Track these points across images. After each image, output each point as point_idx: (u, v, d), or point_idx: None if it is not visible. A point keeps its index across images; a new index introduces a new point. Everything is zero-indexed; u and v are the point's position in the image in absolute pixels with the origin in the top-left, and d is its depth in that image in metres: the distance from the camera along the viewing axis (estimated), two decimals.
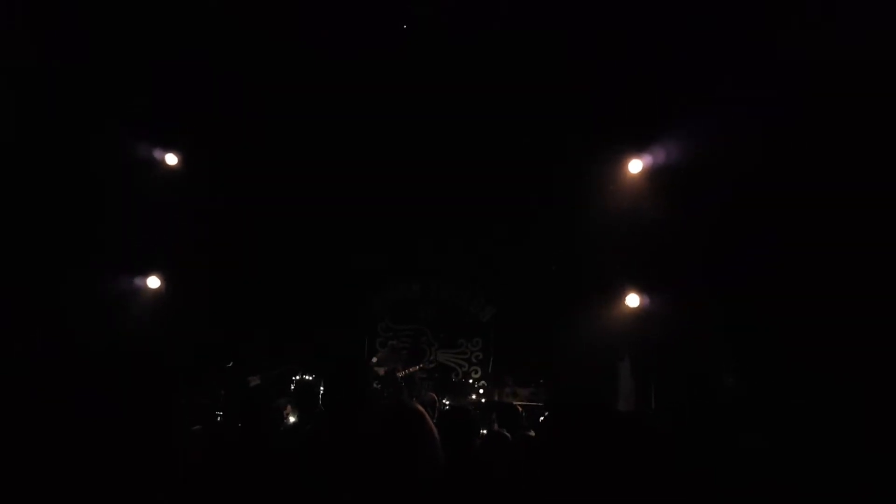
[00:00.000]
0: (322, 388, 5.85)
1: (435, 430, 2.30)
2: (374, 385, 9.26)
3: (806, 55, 5.95)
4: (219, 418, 7.06)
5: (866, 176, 5.69)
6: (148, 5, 7.47)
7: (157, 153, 9.25)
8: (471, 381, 11.07)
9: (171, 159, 9.39)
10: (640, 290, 9.07)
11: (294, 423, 5.90)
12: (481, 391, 10.67)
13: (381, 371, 9.39)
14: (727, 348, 7.18)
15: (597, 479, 1.65)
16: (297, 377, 9.16)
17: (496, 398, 10.12)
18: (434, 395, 7.69)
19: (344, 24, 7.89)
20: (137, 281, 9.50)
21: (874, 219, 5.61)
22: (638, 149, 8.95)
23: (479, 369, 11.22)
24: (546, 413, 8.28)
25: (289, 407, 5.80)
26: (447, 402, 8.98)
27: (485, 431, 5.95)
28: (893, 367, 4.95)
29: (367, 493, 2.16)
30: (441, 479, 2.24)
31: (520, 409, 6.11)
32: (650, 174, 8.88)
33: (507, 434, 3.70)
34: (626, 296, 9.14)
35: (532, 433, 3.37)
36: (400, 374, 9.37)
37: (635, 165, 8.98)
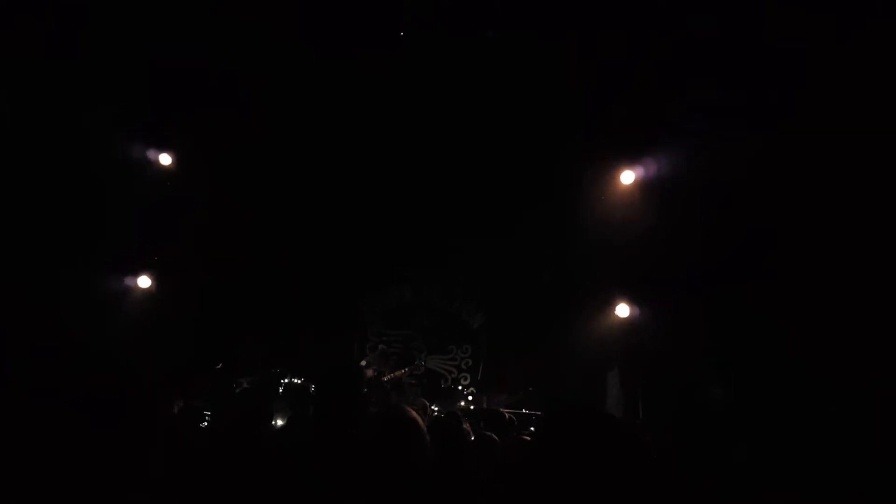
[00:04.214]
0: (314, 392, 5.85)
1: (427, 437, 2.32)
2: (363, 389, 9.21)
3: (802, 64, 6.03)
4: (207, 420, 7.02)
5: (860, 192, 5.76)
6: (145, 5, 7.47)
7: (151, 154, 9.22)
8: (460, 387, 11.07)
9: (165, 160, 9.37)
10: (631, 300, 9.12)
11: (282, 426, 5.89)
12: (470, 398, 10.68)
13: (369, 374, 9.37)
14: (716, 359, 7.23)
15: (592, 482, 1.67)
16: (287, 380, 9.14)
17: (484, 405, 10.13)
18: (425, 401, 7.69)
19: (343, 23, 7.89)
20: (128, 281, 9.46)
21: (868, 234, 5.68)
22: (630, 160, 9.02)
23: (468, 376, 11.23)
24: (541, 416, 8.27)
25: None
26: (436, 409, 8.98)
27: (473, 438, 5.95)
28: (884, 377, 5.01)
29: (359, 496, 2.18)
30: (429, 484, 2.26)
31: (508, 415, 6.12)
32: (642, 185, 8.95)
33: (496, 437, 3.72)
34: (616, 305, 9.19)
35: (524, 437, 3.39)
36: (386, 379, 9.37)
37: (627, 176, 9.05)
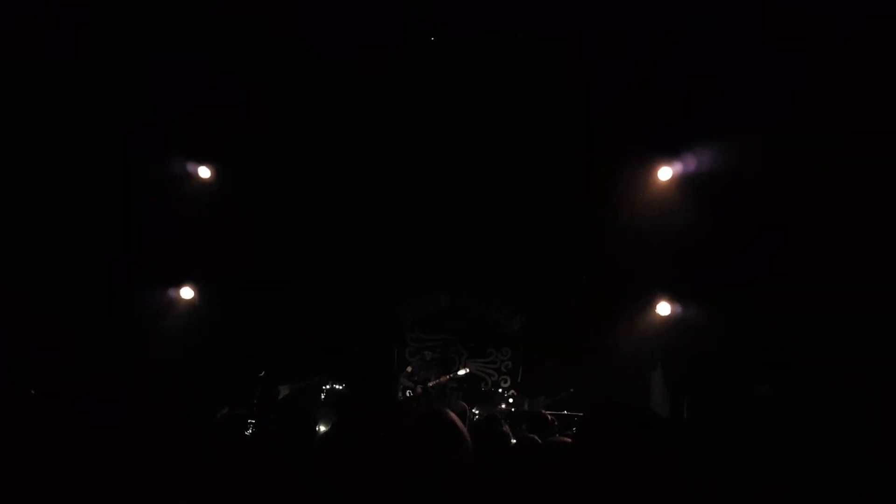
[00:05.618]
0: (348, 398, 5.90)
1: (468, 439, 2.30)
2: (405, 394, 9.29)
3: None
4: (251, 428, 7.13)
5: None
6: (184, 22, 7.62)
7: (190, 167, 9.43)
8: (500, 390, 11.02)
9: (205, 172, 9.57)
10: (672, 298, 8.95)
11: (325, 432, 5.95)
12: (511, 401, 10.62)
13: (414, 381, 9.43)
14: (761, 358, 7.05)
15: (636, 482, 1.64)
16: (328, 387, 9.22)
17: (525, 407, 10.06)
18: (465, 404, 7.68)
19: (383, 34, 7.93)
20: (171, 292, 9.67)
21: None
22: (668, 156, 8.86)
23: (508, 379, 11.16)
24: (583, 416, 8.16)
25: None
26: (476, 412, 8.95)
27: (514, 441, 5.92)
28: None
29: (398, 499, 2.17)
30: (471, 488, 2.24)
31: (550, 418, 6.06)
32: (681, 181, 8.79)
33: (537, 439, 3.69)
34: (657, 304, 9.03)
35: (562, 438, 3.35)
36: (431, 385, 9.38)
37: (665, 173, 8.89)
